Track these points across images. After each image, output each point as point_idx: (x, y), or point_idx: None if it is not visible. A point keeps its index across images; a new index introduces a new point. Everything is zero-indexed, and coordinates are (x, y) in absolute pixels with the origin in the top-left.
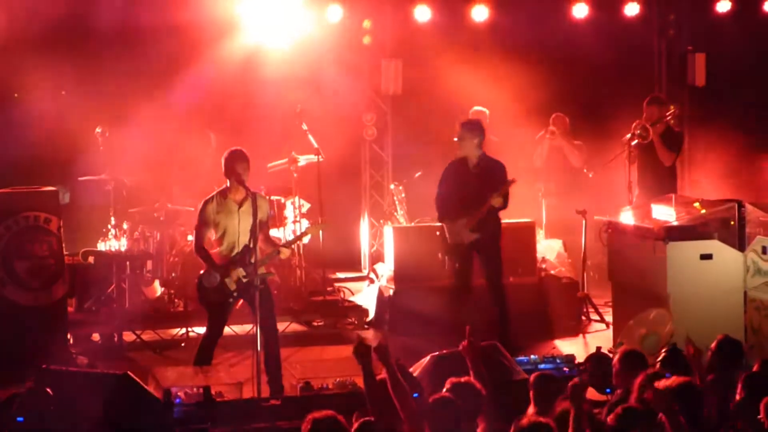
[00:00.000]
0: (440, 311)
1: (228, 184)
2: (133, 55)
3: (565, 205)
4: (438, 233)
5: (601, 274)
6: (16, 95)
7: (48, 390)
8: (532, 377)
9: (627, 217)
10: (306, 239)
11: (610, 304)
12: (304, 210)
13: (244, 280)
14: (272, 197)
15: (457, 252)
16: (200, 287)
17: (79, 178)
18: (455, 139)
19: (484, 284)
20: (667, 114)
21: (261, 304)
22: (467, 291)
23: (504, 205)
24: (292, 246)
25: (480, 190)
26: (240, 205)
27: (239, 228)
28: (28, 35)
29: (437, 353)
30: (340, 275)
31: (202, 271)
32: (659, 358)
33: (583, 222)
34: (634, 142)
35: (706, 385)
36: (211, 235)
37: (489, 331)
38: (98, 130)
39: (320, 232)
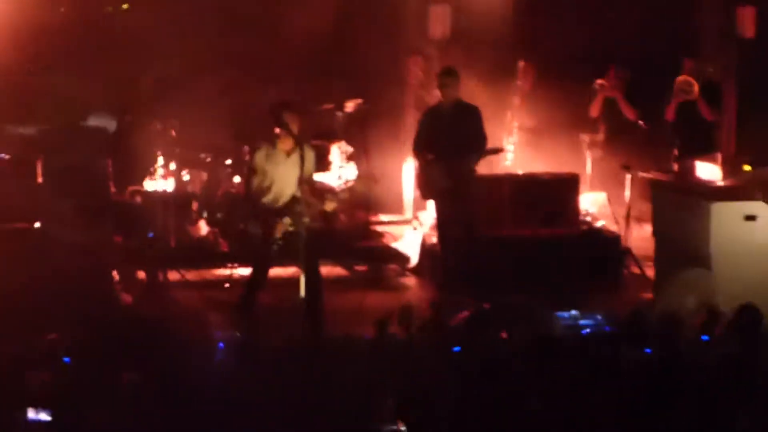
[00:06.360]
0: (479, 262)
1: (277, 132)
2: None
3: (610, 158)
4: (415, 177)
5: (645, 228)
6: None
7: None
8: None
9: (672, 175)
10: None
11: (653, 258)
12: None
13: (290, 229)
14: (318, 142)
15: (434, 197)
16: (246, 234)
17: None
18: (438, 87)
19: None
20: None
21: (306, 253)
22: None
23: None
24: (338, 197)
25: (456, 134)
26: (288, 154)
27: (287, 177)
28: None
29: (476, 308)
30: (383, 218)
31: (248, 217)
32: (699, 321)
33: (628, 176)
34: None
35: None
36: (259, 182)
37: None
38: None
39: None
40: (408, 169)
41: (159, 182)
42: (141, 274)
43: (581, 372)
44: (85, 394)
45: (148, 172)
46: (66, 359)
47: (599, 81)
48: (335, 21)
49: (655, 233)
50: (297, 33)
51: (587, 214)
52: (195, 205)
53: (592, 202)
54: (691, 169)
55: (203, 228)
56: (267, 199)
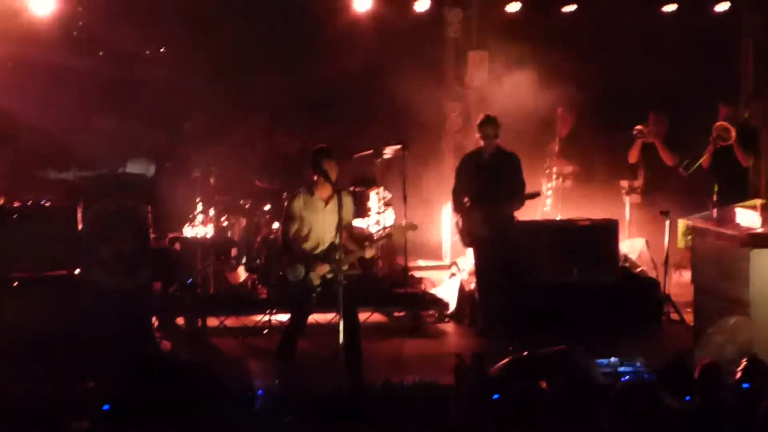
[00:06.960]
0: (519, 308)
1: (315, 180)
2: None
3: (649, 204)
4: (454, 224)
5: (684, 275)
6: None
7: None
8: None
9: (711, 221)
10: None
11: (692, 305)
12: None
13: (329, 277)
14: (356, 188)
15: (474, 244)
16: (284, 280)
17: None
18: (478, 135)
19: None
20: (743, 113)
21: (344, 301)
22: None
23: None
24: (377, 244)
25: (495, 181)
26: (326, 202)
27: (325, 225)
28: None
29: (515, 355)
30: (421, 263)
31: (287, 264)
32: (739, 368)
33: (667, 222)
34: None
35: None
36: (298, 230)
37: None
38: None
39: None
40: (446, 216)
41: (198, 228)
42: (180, 321)
43: (621, 420)
44: None
45: (188, 218)
46: (105, 407)
47: (638, 127)
48: (374, 67)
49: (694, 280)
50: (336, 79)
51: (626, 260)
52: (234, 252)
53: (630, 248)
54: (730, 216)
55: (242, 274)
56: (306, 246)
